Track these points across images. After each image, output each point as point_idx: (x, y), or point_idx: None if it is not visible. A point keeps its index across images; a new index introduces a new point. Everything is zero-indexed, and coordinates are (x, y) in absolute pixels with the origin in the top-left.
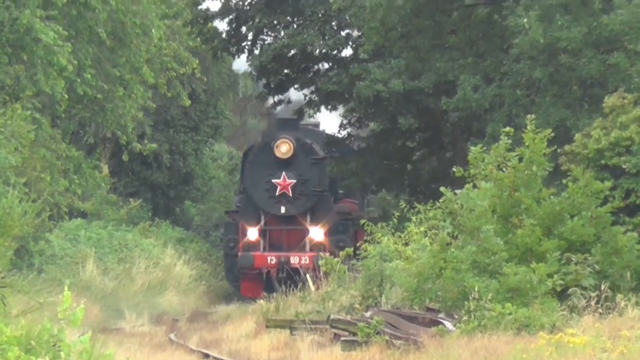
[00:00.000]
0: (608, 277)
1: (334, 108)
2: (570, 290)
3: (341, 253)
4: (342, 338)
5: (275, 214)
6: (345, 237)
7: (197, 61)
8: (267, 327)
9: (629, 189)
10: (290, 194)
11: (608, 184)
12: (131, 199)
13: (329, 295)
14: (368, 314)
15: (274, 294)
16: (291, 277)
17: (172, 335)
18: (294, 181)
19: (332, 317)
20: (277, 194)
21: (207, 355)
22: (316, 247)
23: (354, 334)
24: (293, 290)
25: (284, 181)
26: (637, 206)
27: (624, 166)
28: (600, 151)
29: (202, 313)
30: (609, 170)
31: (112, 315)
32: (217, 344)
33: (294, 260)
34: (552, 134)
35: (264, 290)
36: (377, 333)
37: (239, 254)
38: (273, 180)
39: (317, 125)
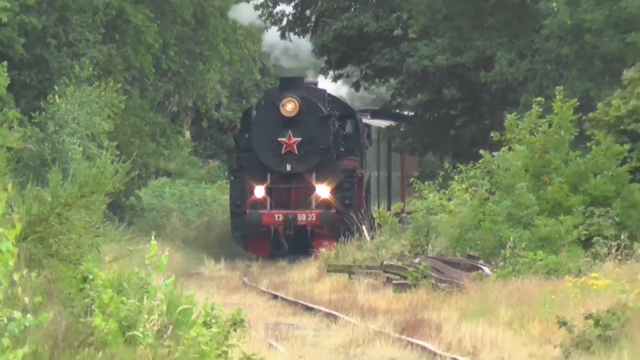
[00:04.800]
0: (627, 228)
1: (387, 81)
2: (593, 240)
3: (393, 207)
4: (394, 281)
5: (281, 172)
6: (351, 194)
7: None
8: (328, 271)
9: None
10: (296, 152)
11: (627, 146)
12: (210, 160)
13: (382, 244)
14: (416, 261)
15: (282, 251)
16: (298, 234)
17: (245, 279)
18: (300, 139)
19: (385, 263)
20: (283, 152)
21: (275, 296)
22: (322, 204)
23: (404, 278)
24: (301, 247)
25: (289, 139)
26: None
27: None
28: (619, 118)
29: (272, 259)
30: (627, 135)
31: (193, 261)
32: (285, 286)
33: (301, 217)
34: (578, 103)
35: (272, 247)
36: (424, 277)
37: (247, 212)
38: (279, 139)
39: (315, 84)
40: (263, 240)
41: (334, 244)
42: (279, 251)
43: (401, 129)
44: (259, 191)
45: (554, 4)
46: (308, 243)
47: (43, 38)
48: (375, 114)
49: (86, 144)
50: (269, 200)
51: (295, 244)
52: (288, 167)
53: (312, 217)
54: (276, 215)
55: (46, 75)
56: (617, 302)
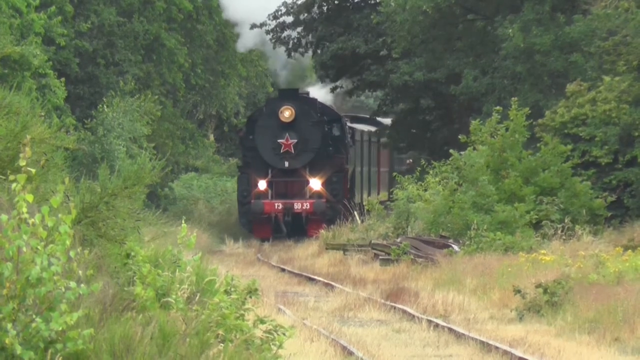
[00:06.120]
0: (569, 213)
1: (374, 92)
2: (542, 223)
3: (378, 196)
4: (380, 257)
5: (280, 168)
6: (338, 186)
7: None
8: (326, 249)
9: (584, 150)
10: (293, 151)
11: (569, 147)
12: (230, 158)
13: (370, 227)
14: (398, 240)
15: (281, 234)
16: (295, 220)
17: (259, 255)
18: (296, 140)
19: (373, 242)
20: (281, 151)
21: (283, 270)
22: (315, 195)
23: (389, 254)
24: (297, 231)
25: (287, 141)
26: (590, 163)
27: (580, 134)
28: (563, 123)
29: (280, 238)
30: (570, 137)
31: (216, 241)
32: (291, 261)
33: (297, 206)
34: (529, 112)
35: (273, 231)
36: (405, 253)
37: (252, 201)
38: (278, 140)
39: (307, 94)
40: (265, 225)
41: (327, 227)
42: (279, 234)
43: (387, 132)
44: (262, 184)
45: (510, 31)
46: (303, 227)
47: (94, 59)
48: (354, 119)
49: (129, 145)
50: (270, 191)
51: (293, 229)
52: (286, 164)
53: (307, 205)
54: (276, 204)
55: (96, 89)
56: (561, 274)
